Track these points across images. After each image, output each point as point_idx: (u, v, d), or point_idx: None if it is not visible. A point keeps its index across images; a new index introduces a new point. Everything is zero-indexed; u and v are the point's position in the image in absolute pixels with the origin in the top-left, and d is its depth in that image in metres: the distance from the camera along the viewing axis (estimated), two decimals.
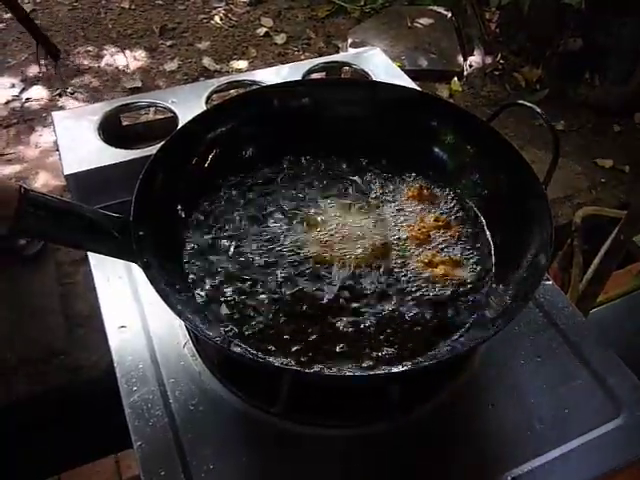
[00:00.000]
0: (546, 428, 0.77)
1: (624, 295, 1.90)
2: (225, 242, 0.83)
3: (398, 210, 0.89)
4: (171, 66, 2.76)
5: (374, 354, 0.72)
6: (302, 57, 2.83)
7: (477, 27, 2.93)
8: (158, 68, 2.76)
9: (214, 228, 0.85)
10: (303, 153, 0.94)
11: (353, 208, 0.89)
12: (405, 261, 0.83)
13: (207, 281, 0.78)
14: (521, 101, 0.83)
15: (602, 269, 1.61)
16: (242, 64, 2.80)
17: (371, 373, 0.68)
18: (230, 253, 0.82)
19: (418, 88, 1.07)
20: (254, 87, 1.07)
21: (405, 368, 0.69)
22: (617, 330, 1.82)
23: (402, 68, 2.91)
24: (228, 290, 0.77)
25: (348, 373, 0.68)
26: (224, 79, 1.11)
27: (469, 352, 0.79)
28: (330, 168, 0.94)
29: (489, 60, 2.85)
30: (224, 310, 0.75)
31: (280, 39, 2.95)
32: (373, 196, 0.91)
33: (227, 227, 0.85)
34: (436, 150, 0.92)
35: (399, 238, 0.85)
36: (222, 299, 0.76)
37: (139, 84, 2.65)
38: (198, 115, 0.87)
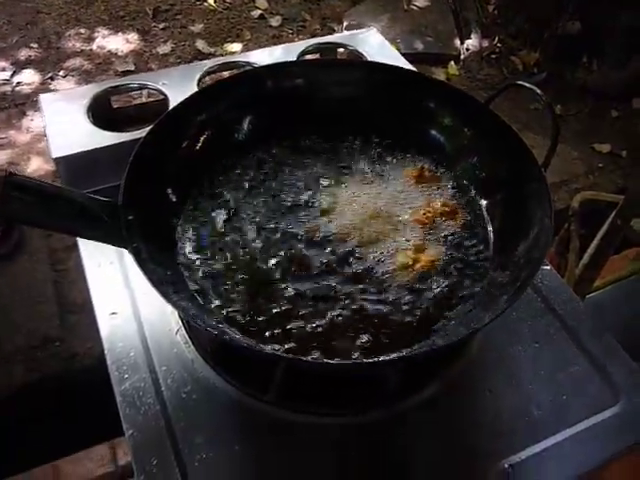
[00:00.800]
0: (544, 415, 0.76)
1: (621, 280, 1.90)
2: (218, 226, 0.81)
3: (396, 192, 0.87)
4: (164, 49, 2.73)
5: (367, 342, 0.70)
6: (297, 39, 2.80)
7: (474, 10, 2.89)
8: (151, 51, 2.72)
9: (206, 212, 0.83)
10: (298, 134, 0.92)
11: (350, 190, 0.87)
12: (403, 244, 0.81)
13: (200, 266, 0.76)
14: (521, 82, 0.81)
15: (599, 254, 1.60)
16: (236, 47, 2.76)
17: (368, 361, 0.66)
18: (224, 238, 0.80)
19: (414, 69, 1.05)
20: (247, 68, 1.05)
21: (403, 355, 0.67)
22: (614, 315, 1.81)
23: (398, 51, 2.86)
24: (221, 275, 0.76)
25: (345, 361, 0.66)
26: (217, 60, 1.08)
27: (467, 338, 0.78)
28: (326, 149, 0.92)
29: (486, 43, 2.82)
30: (217, 296, 0.73)
31: (275, 21, 2.91)
32: (372, 177, 0.89)
33: (220, 211, 0.83)
34: (433, 132, 0.90)
35: (399, 220, 0.84)
36: (215, 285, 0.74)
37: (132, 67, 2.62)
38: (188, 97, 0.84)
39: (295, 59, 1.13)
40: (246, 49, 2.75)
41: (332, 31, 2.86)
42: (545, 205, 0.73)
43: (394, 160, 0.91)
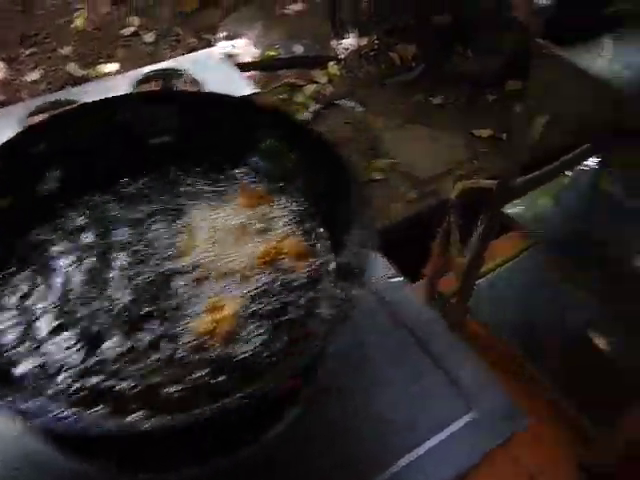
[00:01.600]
0: (399, 433, 0.75)
1: (507, 262, 1.97)
2: (35, 294, 0.75)
3: (230, 225, 0.83)
4: (33, 76, 2.60)
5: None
6: (172, 55, 2.73)
7: (350, 9, 2.90)
8: (19, 79, 2.59)
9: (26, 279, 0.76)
10: (117, 178, 0.86)
11: (174, 228, 0.82)
12: (232, 272, 0.77)
13: (15, 334, 0.71)
14: (337, 101, 0.79)
15: (481, 242, 1.63)
16: (110, 67, 2.66)
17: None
18: (32, 308, 0.74)
19: (251, 90, 1.02)
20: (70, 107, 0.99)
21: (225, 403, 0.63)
22: (505, 296, 1.88)
23: (277, 57, 2.81)
24: (37, 342, 0.70)
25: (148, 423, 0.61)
26: (35, 101, 1.02)
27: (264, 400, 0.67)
28: (155, 187, 0.86)
29: (364, 41, 2.84)
30: (27, 368, 0.68)
31: (149, 37, 2.83)
32: (203, 211, 0.84)
33: (33, 274, 0.77)
34: (262, 158, 0.87)
35: (232, 261, 0.80)
36: (27, 354, 0.68)
37: (1, 97, 2.48)
38: None
39: (131, 90, 1.08)
40: (123, 69, 2.65)
41: (208, 43, 2.80)
42: (364, 219, 0.71)
43: (228, 191, 0.87)
